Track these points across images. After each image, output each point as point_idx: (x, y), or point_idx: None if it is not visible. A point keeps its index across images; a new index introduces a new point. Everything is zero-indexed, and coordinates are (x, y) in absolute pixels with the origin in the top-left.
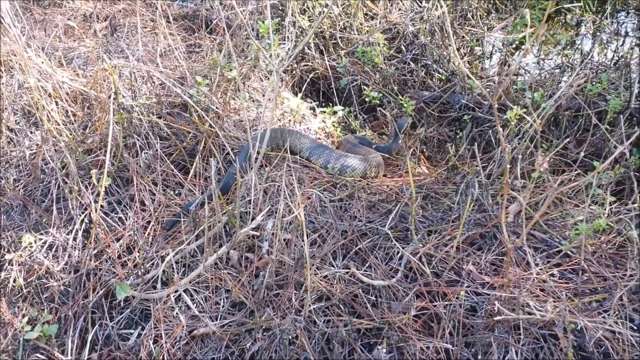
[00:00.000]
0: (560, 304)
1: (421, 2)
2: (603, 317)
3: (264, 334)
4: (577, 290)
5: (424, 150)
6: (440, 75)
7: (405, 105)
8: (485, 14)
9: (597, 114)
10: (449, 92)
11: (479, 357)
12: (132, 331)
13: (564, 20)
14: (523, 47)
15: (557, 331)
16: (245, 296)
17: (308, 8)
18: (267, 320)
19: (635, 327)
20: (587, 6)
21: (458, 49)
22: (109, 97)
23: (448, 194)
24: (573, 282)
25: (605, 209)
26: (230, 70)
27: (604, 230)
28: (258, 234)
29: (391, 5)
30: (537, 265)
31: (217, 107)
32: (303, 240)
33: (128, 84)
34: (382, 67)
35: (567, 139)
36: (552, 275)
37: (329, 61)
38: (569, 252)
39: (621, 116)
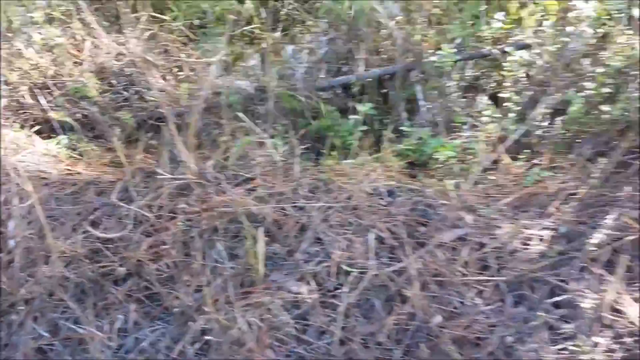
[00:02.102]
0: None
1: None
2: None
3: None
4: None
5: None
6: (151, 97)
7: (127, 120)
8: (183, 45)
9: None
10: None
11: None
12: None
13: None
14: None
15: None
16: None
17: None
18: None
19: None
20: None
21: (164, 75)
22: None
23: None
24: None
25: None
26: None
27: None
28: None
29: (95, 48)
30: None
31: None
32: None
33: None
34: (98, 99)
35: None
36: None
37: (48, 105)
38: None
39: None
